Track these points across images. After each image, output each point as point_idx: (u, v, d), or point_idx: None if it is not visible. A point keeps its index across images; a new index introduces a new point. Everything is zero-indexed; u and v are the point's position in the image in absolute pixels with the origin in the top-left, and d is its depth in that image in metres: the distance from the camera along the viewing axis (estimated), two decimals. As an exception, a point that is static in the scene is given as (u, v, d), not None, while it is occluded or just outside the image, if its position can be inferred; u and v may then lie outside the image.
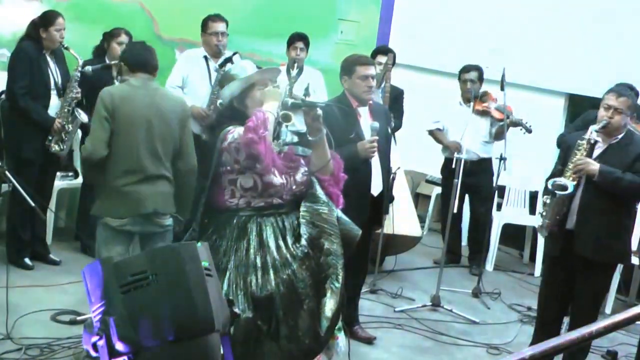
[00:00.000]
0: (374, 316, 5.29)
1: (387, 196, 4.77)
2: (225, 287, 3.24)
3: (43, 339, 4.28)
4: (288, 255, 3.34)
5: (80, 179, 5.96)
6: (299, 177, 3.49)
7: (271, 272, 3.30)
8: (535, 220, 4.62)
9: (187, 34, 6.47)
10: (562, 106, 7.44)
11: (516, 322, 5.55)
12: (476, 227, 6.64)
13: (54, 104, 5.29)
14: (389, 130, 4.97)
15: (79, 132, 5.60)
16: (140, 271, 2.52)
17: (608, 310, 5.91)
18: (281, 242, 3.37)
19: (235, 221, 3.39)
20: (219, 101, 3.67)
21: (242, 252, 3.34)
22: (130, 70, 4.11)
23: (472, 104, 6.31)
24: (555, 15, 7.24)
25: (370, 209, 4.54)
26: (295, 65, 5.96)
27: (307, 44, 6.23)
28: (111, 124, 3.96)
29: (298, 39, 6.19)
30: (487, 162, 6.52)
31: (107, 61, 5.54)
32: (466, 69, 6.50)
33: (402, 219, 5.95)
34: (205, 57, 5.79)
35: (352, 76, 4.46)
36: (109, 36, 5.65)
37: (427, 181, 7.85)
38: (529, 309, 5.69)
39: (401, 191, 6.07)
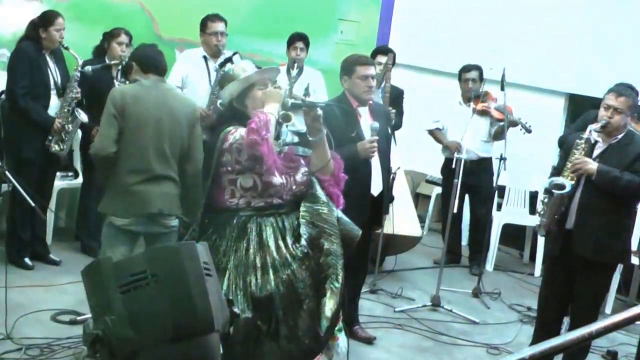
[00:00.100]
0: (374, 316, 5.29)
1: (387, 196, 4.77)
2: (224, 287, 3.24)
3: (43, 339, 4.28)
4: (288, 256, 3.34)
5: (80, 179, 5.96)
6: (299, 177, 3.49)
7: (271, 272, 3.30)
8: (535, 220, 4.62)
9: (187, 34, 6.46)
10: (562, 106, 7.44)
11: (516, 322, 5.55)
12: (476, 227, 6.64)
13: (54, 104, 5.29)
14: (389, 130, 4.97)
15: (79, 132, 5.61)
16: (139, 271, 2.52)
17: (608, 310, 5.90)
18: (281, 242, 3.36)
19: (235, 221, 3.39)
20: (218, 101, 3.67)
21: (241, 252, 3.34)
22: (142, 70, 4.16)
23: (472, 103, 6.31)
24: (555, 15, 7.24)
25: (370, 209, 4.54)
26: (295, 65, 5.97)
27: (307, 44, 6.22)
28: (120, 122, 3.99)
29: (298, 39, 6.19)
30: (487, 162, 6.52)
31: (107, 61, 5.53)
32: (467, 69, 6.50)
33: (402, 219, 5.95)
34: (205, 57, 5.79)
35: (352, 76, 4.46)
36: (109, 36, 5.64)
37: (427, 181, 7.85)
38: (529, 309, 5.68)
39: (401, 191, 6.07)
